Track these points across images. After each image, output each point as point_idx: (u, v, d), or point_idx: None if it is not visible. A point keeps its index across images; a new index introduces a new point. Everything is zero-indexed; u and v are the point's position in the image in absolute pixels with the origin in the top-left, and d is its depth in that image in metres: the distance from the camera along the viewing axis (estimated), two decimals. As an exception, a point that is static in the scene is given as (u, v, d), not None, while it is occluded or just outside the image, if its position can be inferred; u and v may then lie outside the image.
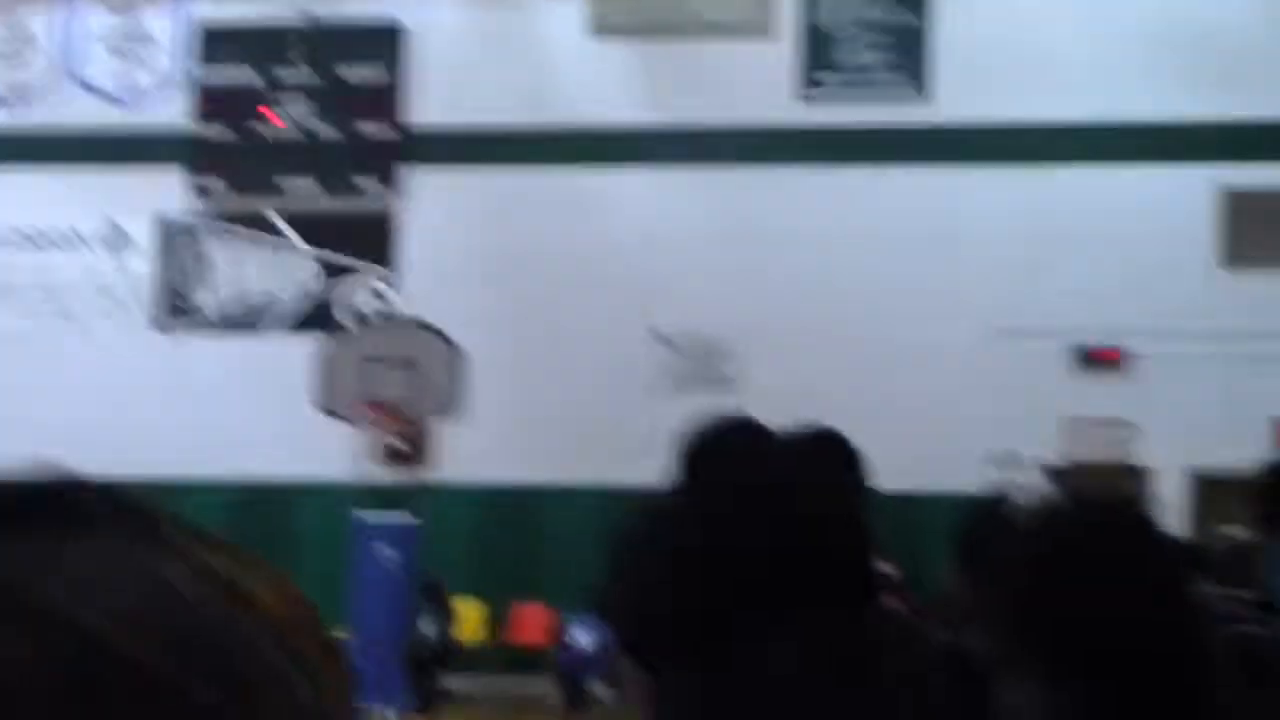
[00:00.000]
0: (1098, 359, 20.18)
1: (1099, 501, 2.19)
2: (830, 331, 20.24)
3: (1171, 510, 16.05)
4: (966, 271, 20.17)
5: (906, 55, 20.95)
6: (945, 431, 19.69)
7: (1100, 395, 20.06)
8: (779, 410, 1.99)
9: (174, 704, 0.63)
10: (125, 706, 0.62)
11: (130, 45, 22.13)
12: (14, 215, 21.83)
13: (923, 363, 20.05)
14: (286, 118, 21.59)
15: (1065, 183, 20.21)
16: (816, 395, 17.88)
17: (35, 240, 21.92)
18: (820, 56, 21.08)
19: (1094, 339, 20.12)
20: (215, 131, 21.71)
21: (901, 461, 16.77)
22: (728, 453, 1.93)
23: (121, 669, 0.63)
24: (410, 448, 19.46)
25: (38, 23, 22.27)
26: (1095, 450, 19.97)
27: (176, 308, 21.73)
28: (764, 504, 1.88)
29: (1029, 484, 16.69)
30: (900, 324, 20.17)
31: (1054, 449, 19.98)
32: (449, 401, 18.82)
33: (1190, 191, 19.96)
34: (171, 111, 21.80)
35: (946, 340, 20.07)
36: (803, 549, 1.86)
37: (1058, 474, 19.35)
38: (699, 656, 1.83)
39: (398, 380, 18.71)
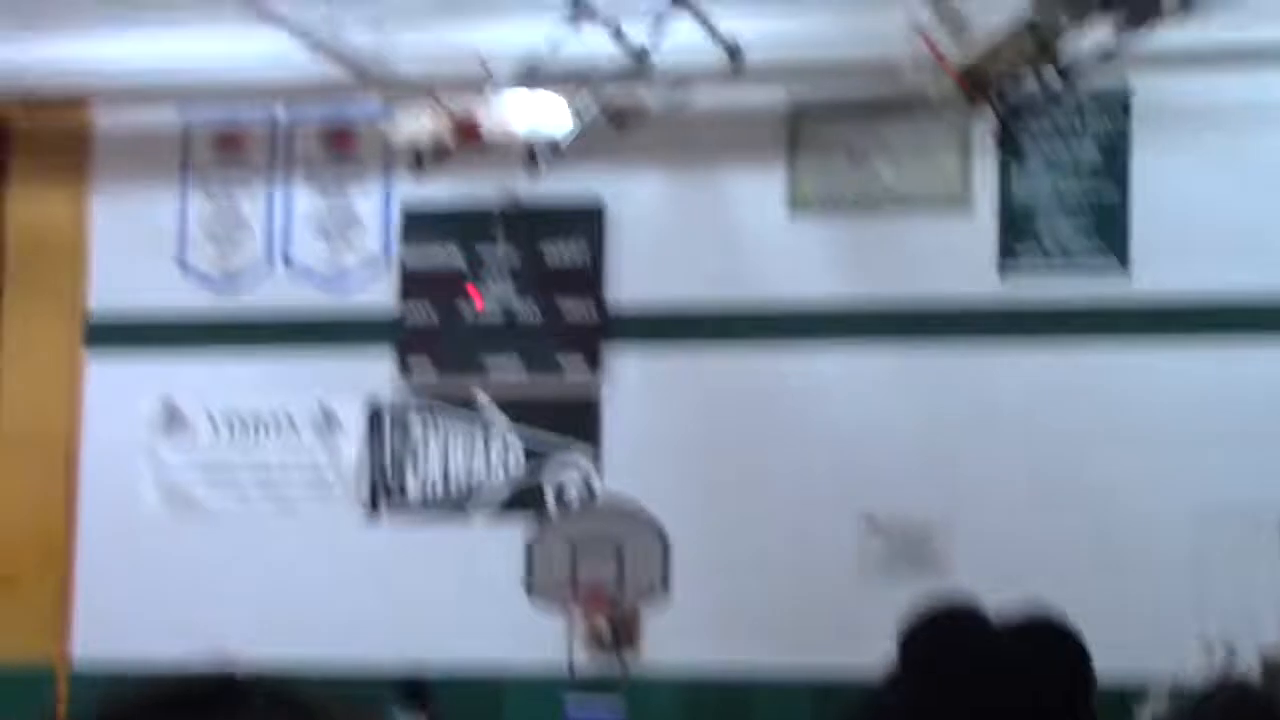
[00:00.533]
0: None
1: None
2: (1036, 513, 20.05)
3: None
4: (1174, 451, 19.91)
5: (1107, 228, 20.82)
6: (1158, 615, 19.41)
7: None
8: (986, 595, 1.97)
9: None
10: None
11: (338, 227, 22.56)
12: (226, 398, 22.25)
13: (1132, 544, 19.79)
14: (490, 298, 21.86)
15: (1272, 357, 19.92)
16: (1025, 580, 17.73)
17: (247, 423, 22.31)
18: (1020, 231, 21.01)
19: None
20: (420, 313, 22.02)
21: (1114, 646, 16.55)
22: (942, 641, 1.90)
23: None
24: (617, 634, 19.54)
25: (247, 205, 22.77)
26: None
27: (385, 491, 21.99)
28: (979, 698, 1.87)
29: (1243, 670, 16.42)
30: (1107, 503, 19.94)
31: (1271, 634, 19.62)
32: (656, 587, 18.89)
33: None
34: (378, 293, 22.15)
35: (1155, 520, 19.80)
36: None
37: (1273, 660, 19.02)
38: None
39: (604, 565, 18.82)
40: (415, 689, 18.02)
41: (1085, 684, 1.89)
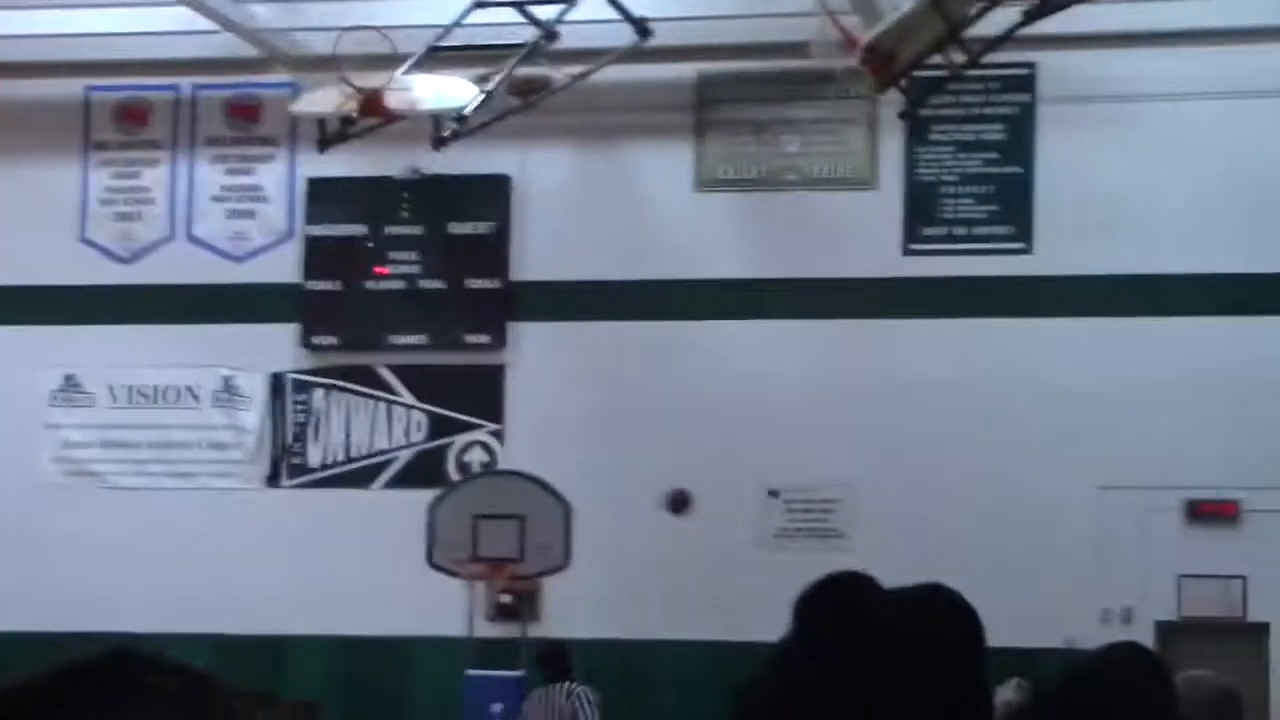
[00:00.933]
0: (1210, 513, 20.00)
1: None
2: (938, 486, 20.17)
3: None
4: (1075, 425, 20.07)
5: (1011, 206, 20.97)
6: (1056, 587, 19.56)
7: (1213, 550, 19.88)
8: (887, 566, 1.99)
9: None
10: None
11: (241, 200, 22.44)
12: (127, 371, 22.09)
13: (1033, 518, 19.94)
14: (394, 271, 21.80)
15: (1174, 335, 20.13)
16: (925, 551, 17.85)
17: (147, 395, 22.17)
18: (925, 208, 21.14)
19: (1206, 493, 19.94)
20: (324, 285, 21.93)
21: (1012, 617, 16.67)
22: (837, 609, 1.91)
23: None
24: (519, 602, 19.51)
25: (149, 177, 22.61)
26: (1209, 606, 19.78)
27: (286, 462, 21.90)
28: (880, 670, 1.87)
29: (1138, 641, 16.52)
30: (1009, 478, 20.08)
31: (1167, 605, 19.82)
32: (557, 556, 18.88)
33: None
34: (282, 266, 22.06)
35: (1056, 495, 19.95)
36: (922, 711, 1.85)
37: (1170, 630, 19.23)
38: None
39: (506, 535, 18.80)
40: (556, 652, 17.81)
41: (976, 654, 1.89)
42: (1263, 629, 19.51)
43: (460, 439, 21.65)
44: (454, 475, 21.07)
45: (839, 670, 1.87)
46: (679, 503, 17.99)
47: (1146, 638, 17.64)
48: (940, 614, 1.90)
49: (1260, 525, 19.79)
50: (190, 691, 0.64)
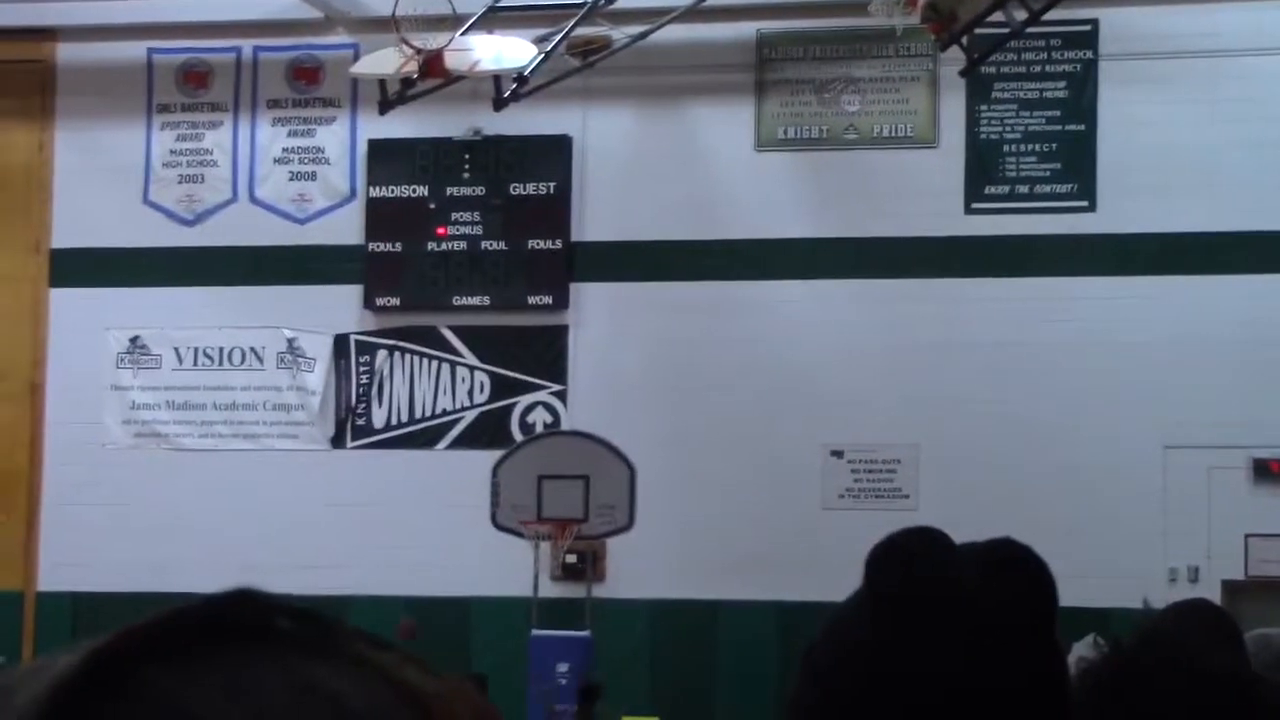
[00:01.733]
0: (1278, 471, 19.90)
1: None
2: (1002, 445, 20.12)
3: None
4: (1140, 384, 19.99)
5: (1073, 164, 20.87)
6: (1122, 547, 19.51)
7: (1280, 509, 19.82)
8: (952, 526, 1.99)
9: None
10: None
11: (304, 162, 22.51)
12: (191, 332, 22.22)
13: (1098, 477, 19.88)
14: (455, 232, 21.84)
15: (1239, 293, 20.01)
16: (989, 511, 17.80)
17: (212, 356, 22.30)
18: (987, 166, 21.05)
19: (1273, 452, 19.85)
20: (386, 247, 22.00)
21: (1078, 576, 16.63)
22: (909, 566, 1.90)
23: None
24: (584, 563, 19.57)
25: (212, 140, 22.70)
26: (1276, 566, 19.70)
27: (351, 423, 22.00)
28: (951, 626, 1.87)
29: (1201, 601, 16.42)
30: (1074, 437, 20.01)
31: (1234, 564, 19.76)
32: (621, 516, 18.92)
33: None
34: (344, 228, 22.13)
35: (1122, 454, 19.89)
36: (997, 675, 1.85)
37: (1237, 590, 19.15)
38: None
39: (570, 495, 18.84)
40: (588, 692, 17.93)
41: (1048, 612, 1.88)
42: (1330, 587, 19.43)
43: (524, 400, 21.71)
44: (518, 436, 21.12)
45: (909, 630, 1.87)
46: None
47: (1213, 597, 17.55)
48: (1012, 571, 1.90)
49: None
50: (317, 636, 0.64)
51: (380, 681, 0.67)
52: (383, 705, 0.66)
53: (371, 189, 22.19)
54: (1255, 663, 5.27)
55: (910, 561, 1.89)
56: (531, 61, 19.18)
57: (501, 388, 21.78)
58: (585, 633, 18.51)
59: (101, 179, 22.49)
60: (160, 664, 0.65)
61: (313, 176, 22.49)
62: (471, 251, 21.84)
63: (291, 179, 22.54)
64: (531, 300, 21.68)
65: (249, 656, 0.65)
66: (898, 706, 1.86)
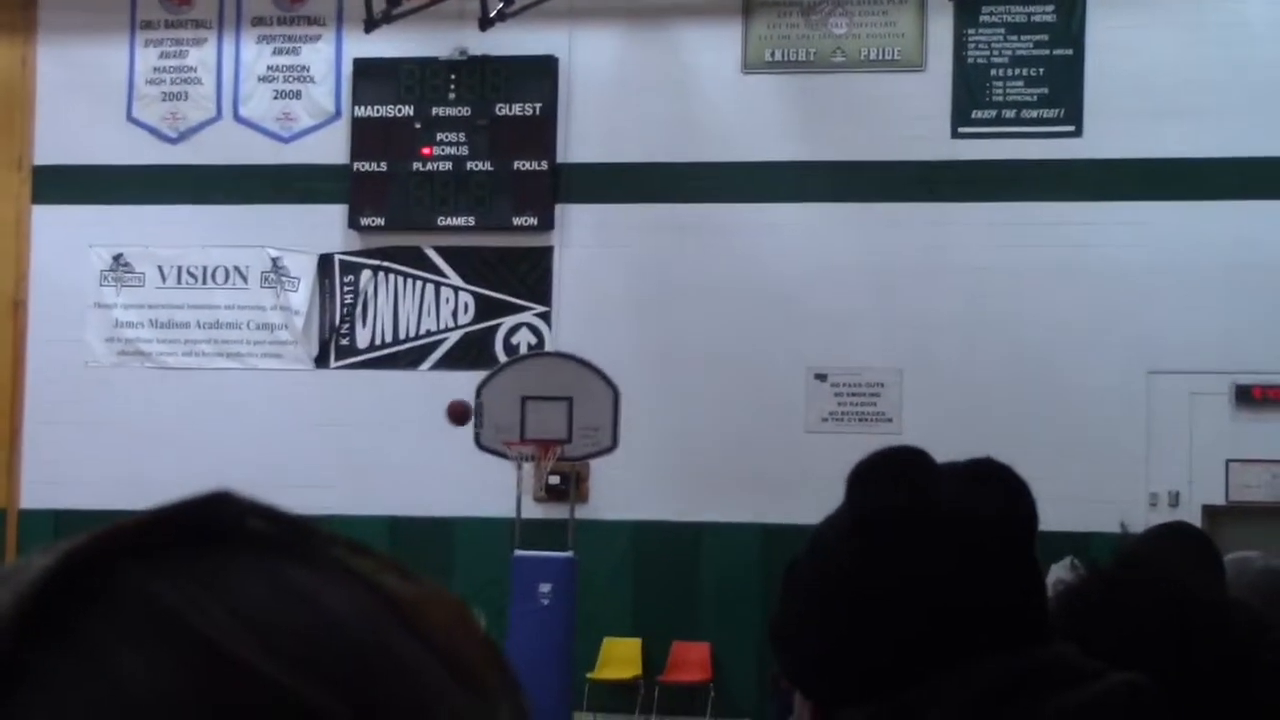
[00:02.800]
0: (1260, 397, 19.95)
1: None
2: (985, 369, 20.15)
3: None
4: (1124, 310, 20.01)
5: (1060, 88, 20.81)
6: (1105, 471, 19.56)
7: (1263, 433, 19.85)
8: (935, 449, 2.00)
9: None
10: None
11: (289, 81, 22.41)
12: (175, 250, 22.17)
13: (1081, 402, 19.91)
14: (441, 152, 21.78)
15: (1223, 219, 20.00)
16: (973, 435, 17.81)
17: (196, 274, 22.26)
18: (974, 90, 20.99)
19: (1254, 378, 19.89)
20: (371, 166, 21.93)
21: (1061, 500, 16.68)
22: (891, 482, 1.91)
23: (278, 703, 0.61)
24: (567, 484, 19.59)
25: (196, 57, 22.58)
26: (1257, 491, 19.78)
27: (335, 342, 21.98)
28: (932, 541, 1.88)
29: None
30: (1057, 362, 20.04)
31: (1215, 489, 19.83)
32: (605, 437, 18.92)
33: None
34: (329, 147, 22.05)
35: (1104, 379, 19.92)
36: (976, 590, 1.86)
37: (1218, 514, 19.23)
38: (872, 695, 1.83)
39: (554, 416, 18.83)
40: None
41: (1028, 530, 1.89)
42: (1310, 513, 19.50)
43: (508, 320, 21.70)
44: (502, 357, 21.11)
45: (891, 548, 1.87)
46: (458, 414, 18.09)
47: (1194, 522, 17.60)
48: (993, 489, 1.90)
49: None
50: (296, 538, 0.64)
51: (359, 586, 0.67)
52: (361, 609, 0.66)
53: (357, 108, 22.09)
54: (1234, 585, 5.30)
55: (892, 480, 1.90)
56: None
57: (486, 308, 21.76)
58: (568, 553, 18.53)
59: (85, 95, 22.38)
60: (136, 564, 0.65)
61: (298, 95, 22.39)
62: (457, 172, 21.78)
63: (276, 97, 22.44)
64: (517, 221, 21.63)
65: (227, 558, 0.65)
66: (879, 624, 1.86)
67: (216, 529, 0.66)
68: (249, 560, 0.65)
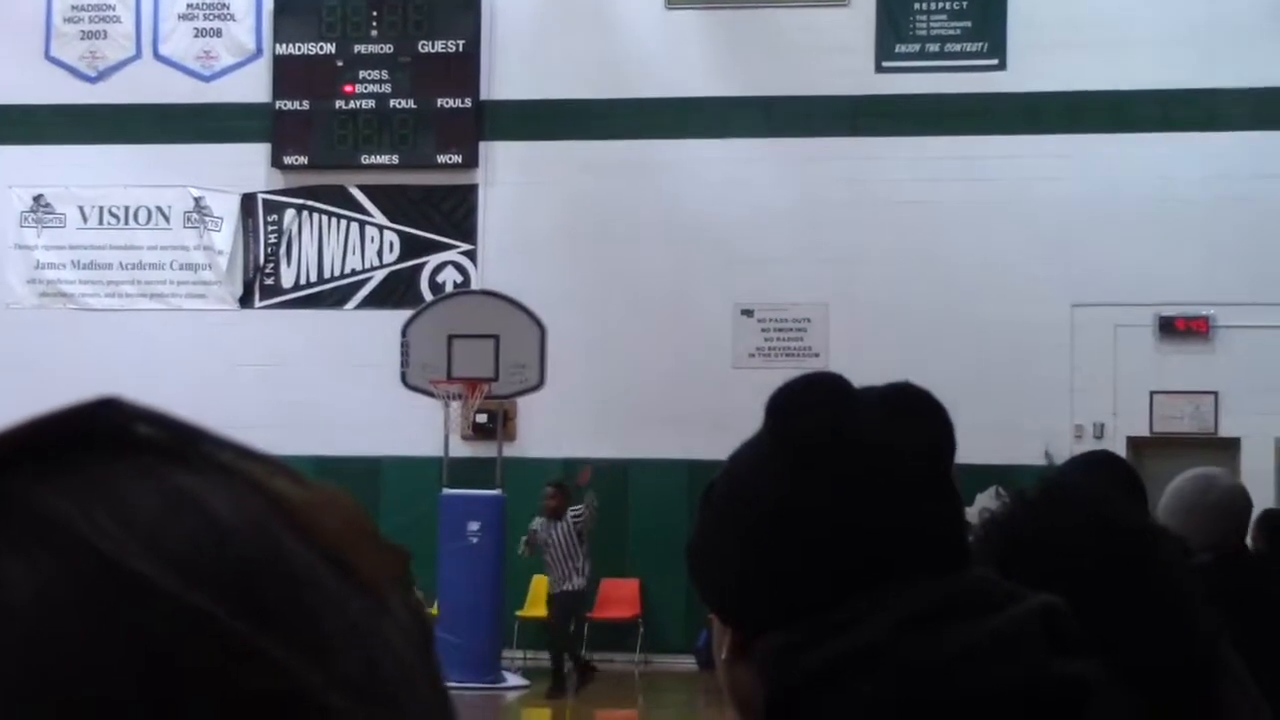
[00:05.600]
0: (1183, 329, 20.08)
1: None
2: (911, 304, 20.21)
3: (1261, 480, 15.98)
4: (1047, 243, 20.09)
5: (984, 22, 20.82)
6: (1030, 404, 19.67)
7: (1186, 365, 19.99)
8: (859, 381, 2.00)
9: (223, 646, 0.60)
10: (168, 648, 0.60)
11: (209, 18, 22.22)
12: (96, 191, 21.99)
13: (1006, 335, 19.99)
14: (363, 90, 21.65)
15: (1145, 151, 20.10)
16: (899, 369, 17.85)
17: (118, 215, 22.09)
18: (897, 24, 20.98)
19: (1179, 309, 20.02)
20: (293, 105, 21.78)
21: (988, 433, 16.76)
22: (809, 407, 1.91)
23: (165, 611, 0.60)
24: (494, 422, 19.58)
25: (118, -3, 22.37)
26: (1180, 422, 19.93)
27: (259, 282, 21.87)
28: (851, 466, 1.88)
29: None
30: (982, 296, 20.11)
31: (1139, 421, 19.98)
32: (532, 375, 18.90)
33: (1277, 159, 19.81)
34: (251, 85, 21.90)
35: (1029, 312, 20.00)
36: (894, 515, 1.86)
37: (1143, 445, 19.37)
38: (790, 620, 1.83)
39: (480, 354, 18.80)
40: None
41: (946, 453, 1.88)
42: (1234, 444, 19.65)
43: (433, 259, 21.63)
44: (427, 295, 21.05)
45: (809, 472, 1.87)
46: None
47: (1119, 453, 17.75)
48: (911, 413, 1.90)
49: (1232, 341, 19.89)
50: (183, 442, 0.62)
51: (248, 490, 0.65)
52: (251, 514, 0.64)
53: (278, 46, 21.93)
54: (1200, 503, 5.35)
55: (811, 406, 1.89)
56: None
57: (411, 247, 21.68)
58: (497, 491, 18.53)
59: (1, 34, 22.11)
60: (20, 473, 0.62)
61: (218, 33, 22.20)
62: (380, 110, 21.67)
63: (196, 35, 22.25)
64: (441, 159, 21.55)
65: (115, 465, 0.63)
66: (797, 549, 1.86)
67: (103, 436, 0.64)
68: (136, 466, 0.63)
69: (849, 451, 1.84)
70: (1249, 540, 6.15)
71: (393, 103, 21.64)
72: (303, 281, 21.85)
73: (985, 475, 8.36)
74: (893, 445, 1.85)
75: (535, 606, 20.56)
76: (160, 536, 0.62)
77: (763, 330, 20.80)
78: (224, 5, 22.22)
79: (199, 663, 0.60)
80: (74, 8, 22.34)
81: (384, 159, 21.61)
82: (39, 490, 0.63)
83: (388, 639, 0.65)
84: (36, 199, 22.15)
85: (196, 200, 21.93)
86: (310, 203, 21.83)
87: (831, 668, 1.78)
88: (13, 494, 0.63)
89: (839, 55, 20.79)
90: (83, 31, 22.32)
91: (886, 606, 1.79)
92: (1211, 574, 4.62)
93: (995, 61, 20.73)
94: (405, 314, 19.76)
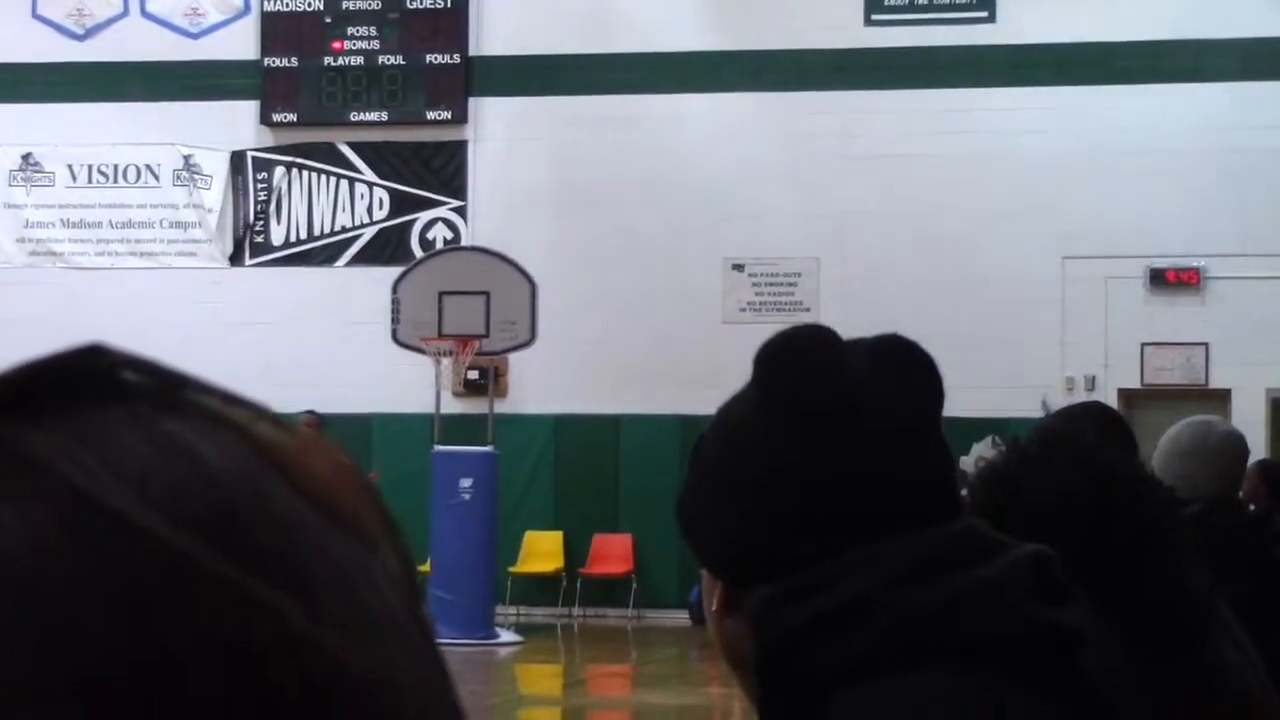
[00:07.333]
0: (1174, 280, 20.08)
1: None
2: (901, 258, 20.20)
3: (1252, 431, 15.94)
4: (1037, 195, 20.07)
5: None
6: (1021, 357, 19.68)
7: (1176, 317, 20.00)
8: (850, 335, 1.99)
9: (207, 586, 0.60)
10: (152, 589, 0.60)
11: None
12: (85, 149, 21.93)
13: (997, 288, 19.99)
14: (352, 45, 21.58)
15: (1135, 103, 20.07)
16: (889, 323, 17.85)
17: (107, 173, 22.04)
18: (887, -22, 20.93)
19: (1169, 260, 20.02)
20: (281, 61, 21.72)
21: (979, 386, 16.78)
22: (799, 361, 1.91)
23: (150, 552, 0.60)
24: (485, 379, 19.56)
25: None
26: (1171, 374, 19.95)
27: (249, 240, 21.84)
28: (842, 419, 1.88)
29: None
30: (972, 249, 20.11)
31: (1130, 372, 20.00)
32: (523, 331, 18.89)
33: (1269, 108, 19.78)
34: (239, 42, 21.83)
35: (1019, 265, 20.00)
36: (885, 467, 1.86)
37: (1134, 397, 19.40)
38: (780, 573, 1.84)
39: (471, 310, 18.79)
40: None
41: (935, 404, 1.88)
42: (1224, 395, 19.67)
43: (423, 215, 21.60)
44: (418, 252, 21.02)
45: (799, 425, 1.87)
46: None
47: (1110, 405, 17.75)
48: (900, 365, 1.90)
49: (1222, 292, 19.90)
50: (170, 389, 0.62)
51: (234, 435, 0.64)
52: (238, 460, 0.63)
53: (266, 3, 21.85)
54: (1199, 450, 5.36)
55: (800, 359, 1.89)
56: None
57: (401, 204, 21.65)
58: (488, 448, 18.53)
59: (-12, -8, 22.04)
60: (5, 419, 0.62)
61: (206, -10, 22.11)
62: (369, 66, 21.61)
63: (184, -8, 22.15)
64: (430, 115, 21.49)
65: (102, 410, 0.63)
66: (788, 503, 1.86)
67: (90, 382, 0.64)
68: (124, 413, 0.64)
69: (838, 404, 1.84)
70: (1243, 490, 6.17)
71: (381, 59, 21.58)
72: (292, 239, 21.82)
73: (978, 428, 8.39)
74: (881, 397, 1.85)
75: (528, 562, 20.60)
76: (146, 479, 0.62)
77: (754, 285, 20.79)
78: (211, -38, 22.12)
79: (183, 603, 0.60)
80: (61, -36, 22.24)
81: (373, 115, 21.56)
82: (25, 435, 0.62)
83: (375, 583, 0.64)
84: (25, 158, 22.10)
85: (185, 158, 21.87)
86: (300, 160, 21.78)
87: (822, 620, 1.78)
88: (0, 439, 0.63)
89: (828, 8, 20.73)
90: (70, -11, 22.22)
91: (876, 558, 1.80)
92: (1203, 523, 4.63)
93: (984, 14, 20.68)
94: (395, 271, 19.74)
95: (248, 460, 0.64)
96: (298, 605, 0.62)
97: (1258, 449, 14.05)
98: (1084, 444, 2.72)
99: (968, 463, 2.13)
